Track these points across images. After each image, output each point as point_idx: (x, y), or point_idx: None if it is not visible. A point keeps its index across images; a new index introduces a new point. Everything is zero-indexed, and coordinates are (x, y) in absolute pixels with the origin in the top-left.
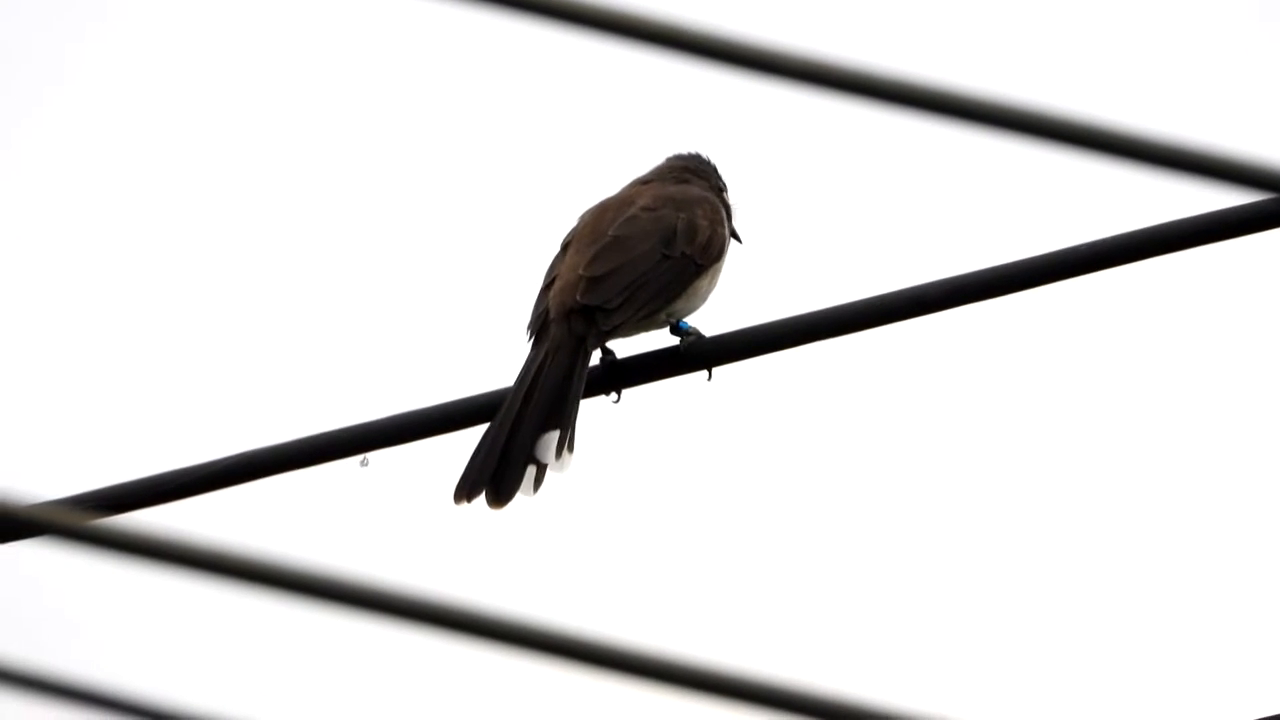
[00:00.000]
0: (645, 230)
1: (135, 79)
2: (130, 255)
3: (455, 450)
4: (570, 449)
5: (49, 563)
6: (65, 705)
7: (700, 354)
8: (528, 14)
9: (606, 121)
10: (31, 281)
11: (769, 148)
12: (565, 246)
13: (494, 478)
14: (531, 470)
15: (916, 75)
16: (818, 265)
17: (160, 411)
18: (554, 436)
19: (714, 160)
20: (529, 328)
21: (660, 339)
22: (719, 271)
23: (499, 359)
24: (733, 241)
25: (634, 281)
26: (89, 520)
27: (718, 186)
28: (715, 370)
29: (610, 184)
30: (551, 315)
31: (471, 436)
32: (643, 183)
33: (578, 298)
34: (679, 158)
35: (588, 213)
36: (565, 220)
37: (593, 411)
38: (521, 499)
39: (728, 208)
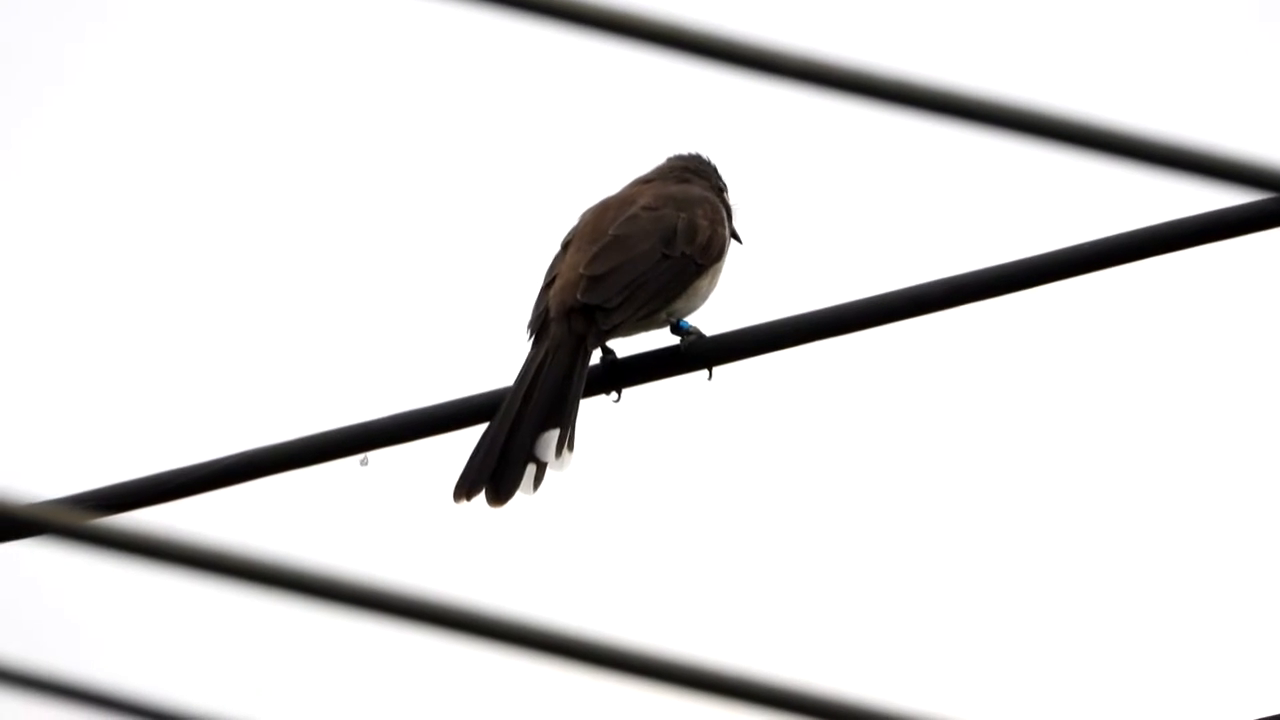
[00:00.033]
0: (646, 230)
1: (135, 79)
2: (130, 255)
3: (455, 449)
4: (570, 448)
5: (48, 562)
6: (64, 705)
7: (700, 353)
8: (528, 14)
9: (607, 121)
10: (31, 281)
11: (769, 148)
12: (566, 245)
13: (494, 476)
14: (531, 469)
15: (916, 75)
16: (818, 265)
17: (160, 411)
18: (554, 435)
19: (714, 160)
20: (529, 326)
21: (660, 338)
22: (719, 271)
23: (499, 358)
24: (733, 241)
25: (634, 281)
26: (88, 520)
27: (718, 186)
28: (715, 370)
29: (611, 183)
30: (552, 314)
31: (472, 435)
32: (644, 182)
33: (578, 296)
34: (680, 158)
35: (588, 211)
36: (566, 219)
37: (593, 411)
38: (521, 498)
39: (728, 208)
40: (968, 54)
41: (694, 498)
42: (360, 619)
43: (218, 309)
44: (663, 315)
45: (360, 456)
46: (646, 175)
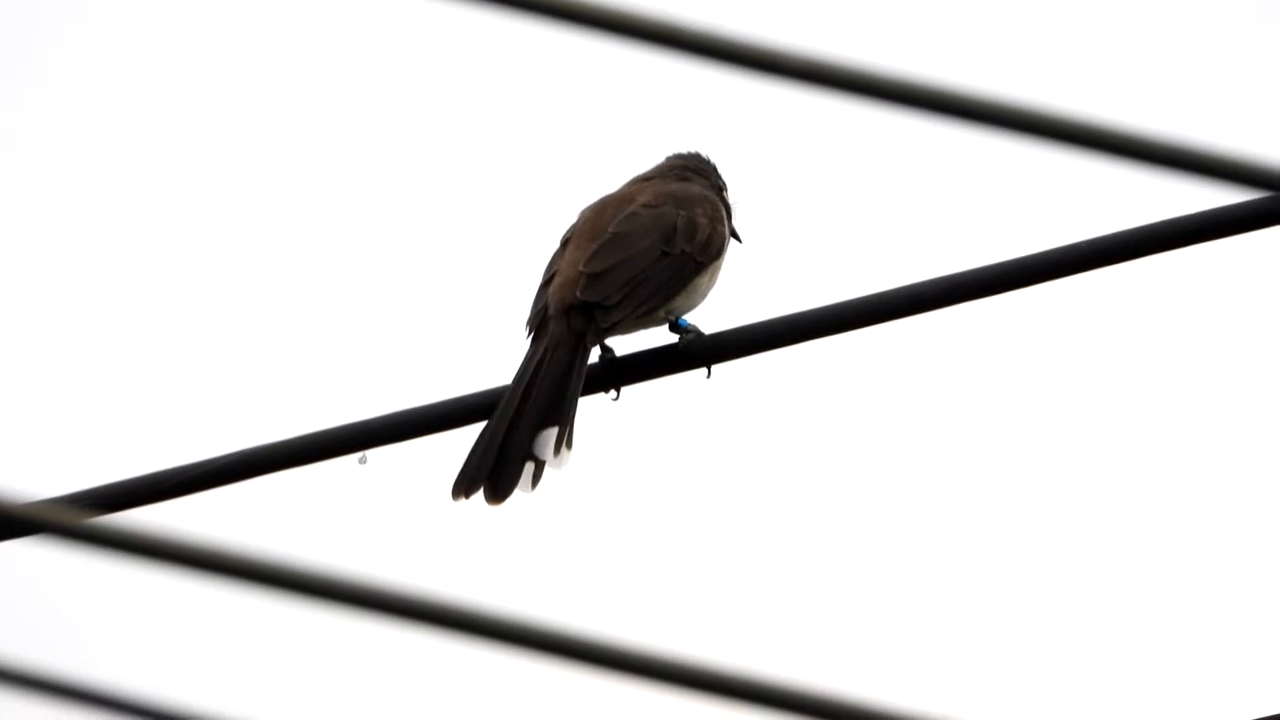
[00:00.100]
0: (645, 227)
1: (134, 78)
2: (128, 254)
3: (454, 448)
4: (569, 446)
5: (45, 561)
6: (62, 704)
7: (699, 351)
8: (528, 14)
9: (607, 120)
10: (28, 280)
11: (769, 147)
12: (565, 243)
13: (492, 474)
14: (530, 467)
15: (915, 74)
16: (816, 263)
17: (157, 410)
18: (552, 433)
19: (714, 159)
20: (528, 324)
21: (659, 336)
22: (718, 269)
23: (498, 356)
24: (732, 240)
25: (633, 278)
26: (85, 519)
27: (718, 185)
28: (714, 368)
29: (611, 181)
30: (551, 312)
31: (470, 434)
32: (643, 180)
33: (577, 294)
34: (679, 156)
35: (588, 209)
36: (565, 217)
37: (592, 409)
38: (519, 496)
39: (727, 206)
40: (966, 53)
41: (693, 496)
42: (359, 618)
43: (216, 308)
44: (662, 313)
45: (359, 455)
46: (646, 173)
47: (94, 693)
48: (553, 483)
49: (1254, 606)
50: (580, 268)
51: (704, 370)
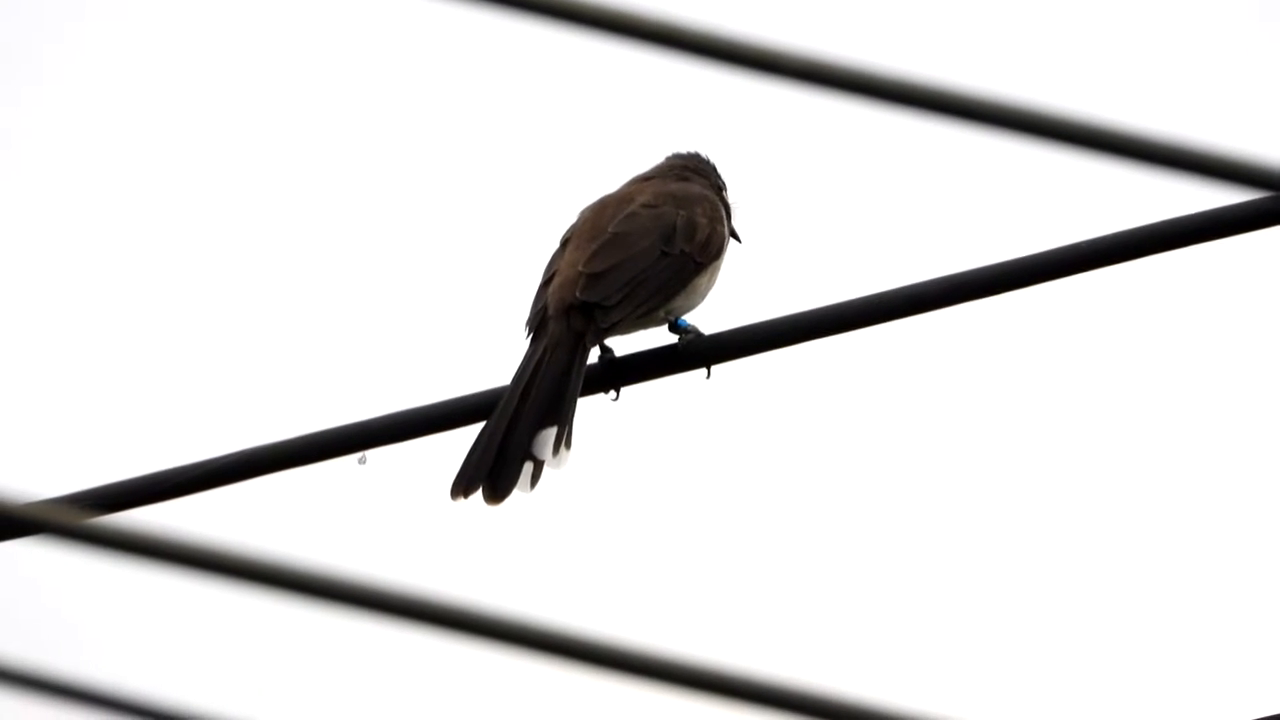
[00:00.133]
0: (645, 227)
1: (133, 77)
2: (127, 253)
3: (454, 448)
4: (568, 446)
5: (45, 561)
6: (62, 704)
7: (699, 352)
8: (528, 14)
9: (607, 120)
10: (28, 280)
11: (768, 147)
12: (565, 243)
13: (491, 474)
14: (529, 467)
15: (915, 74)
16: (816, 264)
17: (157, 410)
18: (551, 433)
19: (714, 159)
20: (527, 324)
21: (659, 336)
22: (718, 270)
23: (498, 356)
24: (732, 240)
25: (633, 278)
26: (85, 519)
27: (717, 185)
28: (714, 368)
29: (610, 181)
30: (550, 312)
31: (470, 434)
32: (643, 180)
33: (577, 294)
34: (679, 156)
35: (588, 209)
36: (565, 217)
37: (591, 409)
38: (518, 495)
39: (727, 206)
40: (966, 53)
41: (692, 496)
42: (359, 618)
43: (216, 308)
44: (661, 313)
45: (359, 455)
46: (646, 173)
47: (94, 693)
48: (552, 483)
49: (1254, 606)
50: (580, 268)
51: (703, 370)
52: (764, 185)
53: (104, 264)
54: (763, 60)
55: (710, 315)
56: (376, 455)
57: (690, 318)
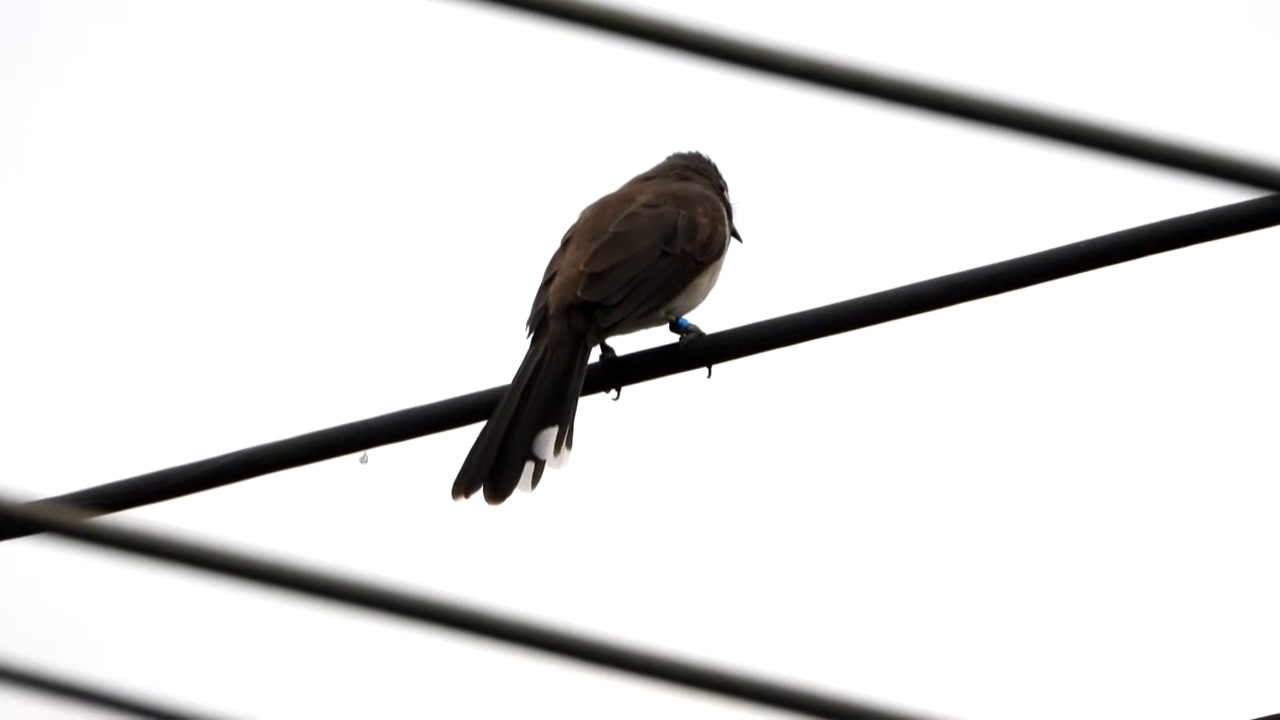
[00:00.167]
0: (646, 227)
1: (133, 76)
2: (128, 253)
3: (455, 448)
4: (569, 446)
5: (45, 561)
6: (62, 703)
7: (699, 351)
8: (529, 13)
9: (608, 119)
10: (29, 279)
11: (769, 147)
12: (565, 242)
13: (492, 473)
14: (529, 466)
15: (916, 74)
16: (817, 263)
17: (158, 409)
18: (552, 433)
19: (715, 159)
20: (528, 324)
21: (660, 336)
22: (719, 269)
23: (499, 356)
24: (733, 240)
25: (634, 278)
26: (85, 518)
27: (718, 185)
28: (715, 368)
29: (611, 181)
30: (551, 311)
31: (471, 434)
32: (644, 179)
33: (578, 294)
34: (680, 156)
35: (589, 209)
36: (566, 216)
37: (592, 408)
38: (519, 495)
39: (728, 206)
40: (967, 53)
41: (693, 496)
42: (359, 618)
43: (217, 308)
44: (662, 313)
45: (360, 454)
46: (647, 173)
47: (94, 692)
48: (553, 482)
49: (1254, 606)
50: (581, 267)
51: (704, 370)
52: (765, 185)
53: (104, 264)
54: (763, 60)
55: (711, 315)
56: (377, 455)
57: (691, 317)
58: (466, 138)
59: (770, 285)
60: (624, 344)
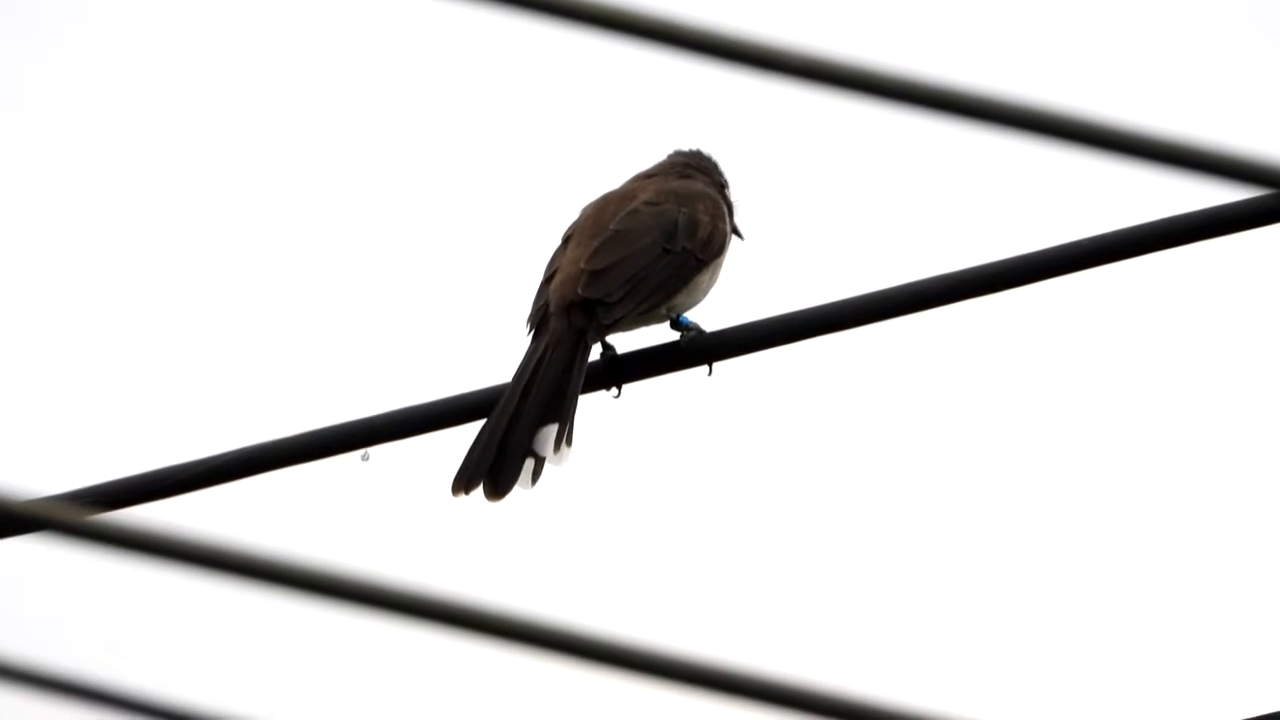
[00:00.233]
0: (647, 225)
1: (133, 76)
2: (129, 252)
3: (456, 445)
4: (569, 443)
5: (46, 559)
6: (62, 702)
7: (700, 349)
8: (531, 12)
9: (609, 117)
10: (29, 278)
11: (770, 145)
12: (566, 240)
13: (492, 470)
14: (530, 463)
15: (918, 73)
16: (818, 261)
17: (159, 407)
18: (552, 430)
19: (716, 156)
20: (529, 321)
21: (661, 334)
22: (720, 267)
23: (499, 353)
24: (734, 237)
25: (635, 276)
26: (86, 516)
27: (720, 182)
28: (715, 365)
29: (613, 178)
30: (552, 309)
31: (472, 431)
32: (645, 177)
33: (578, 291)
34: (681, 153)
35: (589, 206)
36: (567, 214)
37: (592, 406)
38: (519, 492)
39: (729, 204)
40: (968, 52)
41: (693, 494)
42: (360, 615)
43: (218, 306)
44: (663, 310)
45: (362, 452)
46: (648, 170)
47: (95, 690)
48: (552, 479)
49: (1254, 606)
50: (582, 265)
51: (705, 368)
52: (766, 182)
53: (105, 263)
54: (764, 58)
55: (712, 312)
56: (378, 452)
57: (692, 315)
58: (467, 136)
59: (771, 283)
60: (625, 341)
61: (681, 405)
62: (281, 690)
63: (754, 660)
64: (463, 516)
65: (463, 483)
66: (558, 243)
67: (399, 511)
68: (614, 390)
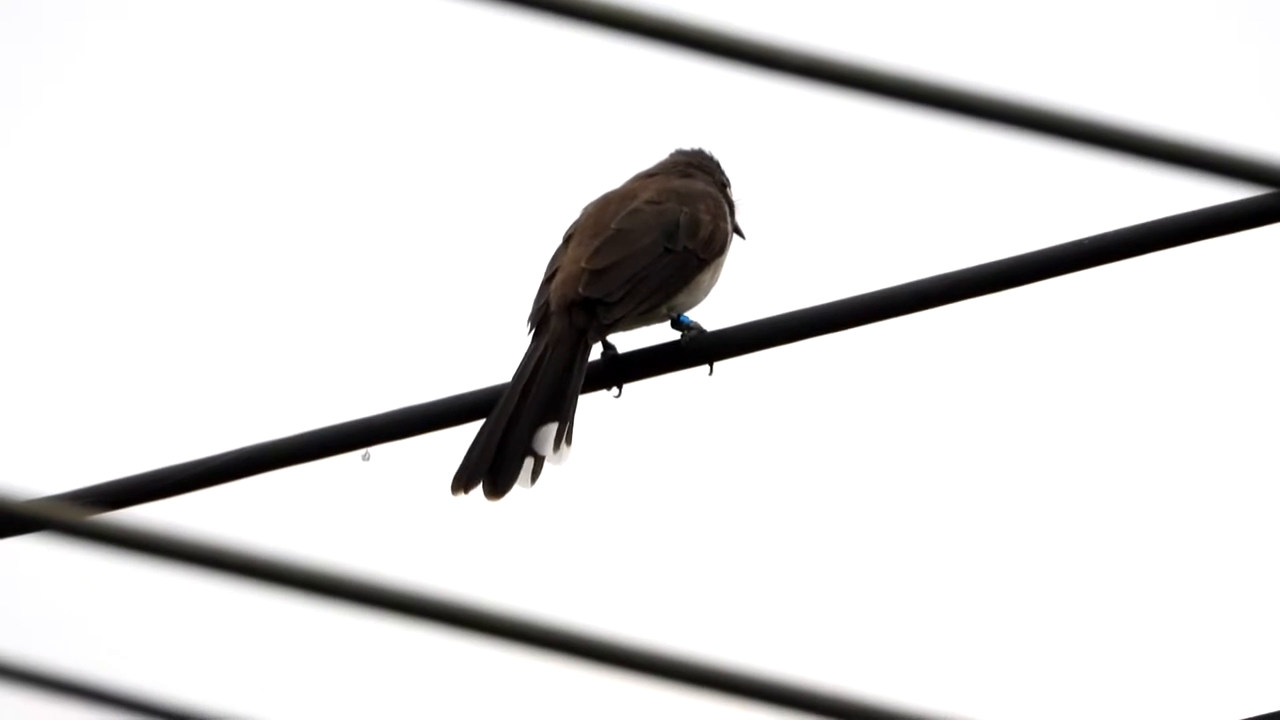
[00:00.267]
0: (648, 224)
1: (133, 75)
2: (129, 251)
3: (456, 445)
4: (569, 442)
5: (46, 559)
6: (62, 702)
7: (701, 348)
8: (530, 11)
9: (611, 116)
10: (30, 278)
11: (772, 144)
12: (567, 239)
13: (492, 469)
14: (529, 462)
15: (919, 72)
16: (819, 260)
17: (159, 407)
18: (552, 429)
19: (718, 156)
20: (530, 320)
21: (661, 333)
22: (721, 266)
23: (500, 353)
24: (735, 237)
25: (635, 275)
26: (86, 516)
27: (721, 182)
28: (716, 365)
29: (614, 178)
30: (552, 308)
31: (472, 431)
32: (647, 176)
33: (579, 290)
34: (683, 153)
35: (591, 205)
36: (568, 213)
37: (593, 405)
38: (519, 491)
39: (731, 203)
40: (970, 51)
41: (694, 494)
42: (360, 615)
43: (218, 306)
44: (664, 310)
45: (362, 452)
46: (650, 170)
47: (95, 690)
48: (552, 479)
49: (1254, 606)
50: (583, 264)
51: (706, 367)
52: (767, 182)
53: (105, 262)
54: (766, 57)
55: (713, 312)
56: (379, 452)
57: (693, 314)
58: (469, 135)
59: (772, 282)
60: (625, 341)
61: (682, 405)
62: (281, 690)
63: (754, 660)
64: (462, 516)
65: (462, 482)
66: (559, 242)
67: (399, 511)
68: (614, 390)
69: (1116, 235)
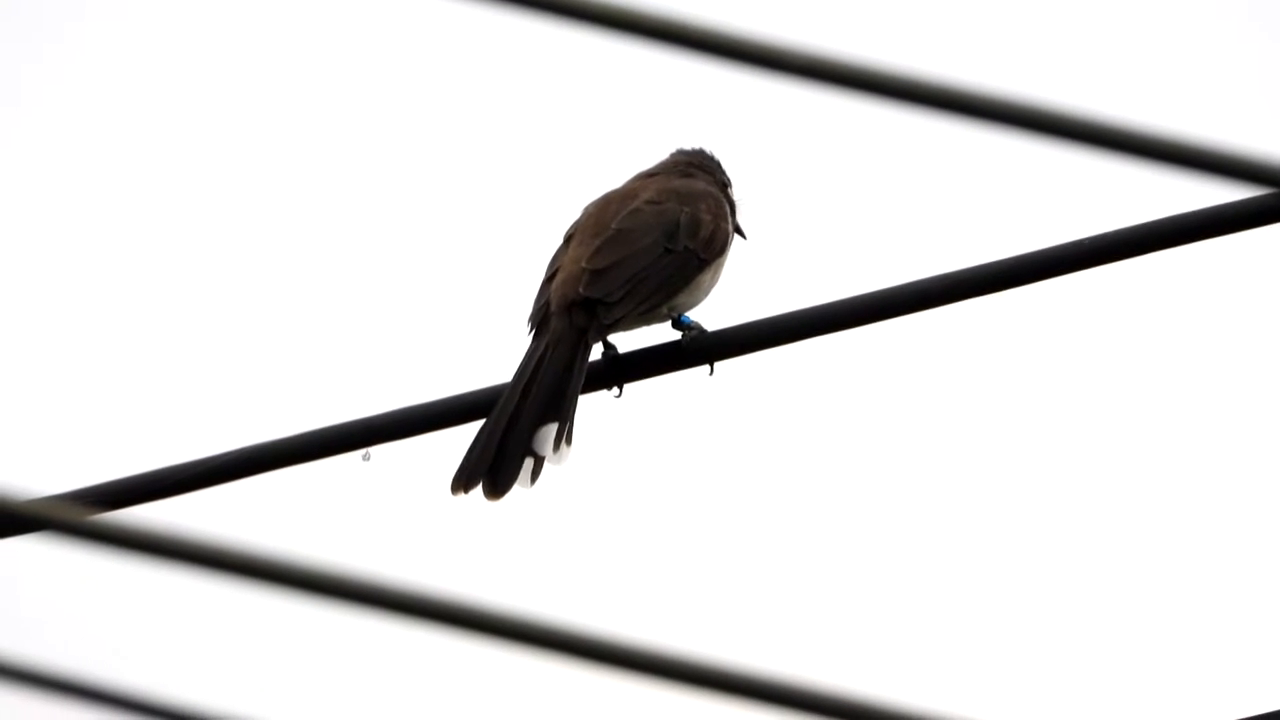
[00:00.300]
0: (648, 224)
1: (134, 75)
2: (130, 251)
3: (456, 445)
4: (569, 442)
5: (47, 559)
6: (63, 702)
7: (702, 348)
8: (531, 11)
9: (611, 116)
10: (30, 278)
11: (773, 144)
12: (568, 239)
13: (492, 469)
14: (529, 462)
15: (920, 72)
16: (820, 260)
17: (160, 407)
18: (552, 429)
19: (719, 155)
20: (530, 320)
21: (662, 333)
22: (721, 266)
23: (500, 352)
24: (736, 237)
25: (636, 275)
26: (87, 516)
27: (722, 182)
28: (717, 365)
29: (615, 177)
30: (553, 308)
31: (472, 431)
32: (647, 176)
33: (580, 290)
34: (684, 152)
35: (591, 205)
36: (569, 213)
37: (593, 405)
38: (519, 491)
39: (731, 203)
40: (970, 51)
41: (694, 494)
42: (360, 615)
43: (218, 306)
44: (664, 310)
45: (362, 452)
46: (650, 169)
47: (95, 690)
48: (552, 479)
49: (1254, 606)
50: (583, 264)
51: (706, 367)
52: (768, 182)
53: (106, 262)
54: (767, 57)
55: (713, 312)
56: (379, 452)
57: (693, 314)
58: (469, 134)
59: (773, 282)
60: (626, 341)
61: (682, 405)
62: (281, 690)
63: (754, 660)
64: (462, 516)
65: (462, 482)
66: (559, 242)
67: (399, 511)
68: (615, 390)
69: (1116, 235)
